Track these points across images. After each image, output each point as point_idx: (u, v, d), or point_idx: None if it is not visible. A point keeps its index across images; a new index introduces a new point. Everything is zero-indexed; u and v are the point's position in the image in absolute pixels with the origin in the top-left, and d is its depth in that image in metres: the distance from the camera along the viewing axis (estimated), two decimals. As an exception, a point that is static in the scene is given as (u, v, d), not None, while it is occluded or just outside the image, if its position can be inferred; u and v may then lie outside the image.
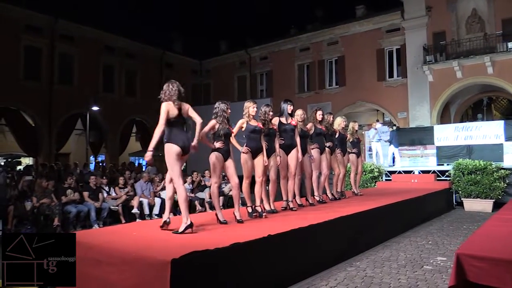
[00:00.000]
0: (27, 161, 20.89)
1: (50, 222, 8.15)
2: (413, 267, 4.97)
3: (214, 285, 3.41)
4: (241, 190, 5.35)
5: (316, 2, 32.71)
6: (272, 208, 5.83)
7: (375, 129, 14.32)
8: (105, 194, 9.43)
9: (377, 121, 19.71)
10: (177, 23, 37.39)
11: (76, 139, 22.28)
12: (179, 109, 4.43)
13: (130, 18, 30.70)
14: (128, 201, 9.58)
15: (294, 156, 6.09)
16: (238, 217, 4.99)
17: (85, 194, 9.04)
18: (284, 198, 6.22)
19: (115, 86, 22.83)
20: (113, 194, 9.64)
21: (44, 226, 8.16)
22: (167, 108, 4.36)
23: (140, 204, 9.58)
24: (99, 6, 27.46)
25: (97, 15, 24.78)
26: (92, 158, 21.58)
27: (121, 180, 10.00)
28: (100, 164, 18.41)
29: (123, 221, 8.97)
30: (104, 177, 10.51)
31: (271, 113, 5.67)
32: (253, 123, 5.42)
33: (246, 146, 5.36)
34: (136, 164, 22.39)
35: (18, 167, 12.16)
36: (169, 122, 4.37)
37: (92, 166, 18.90)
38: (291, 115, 6.21)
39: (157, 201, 9.92)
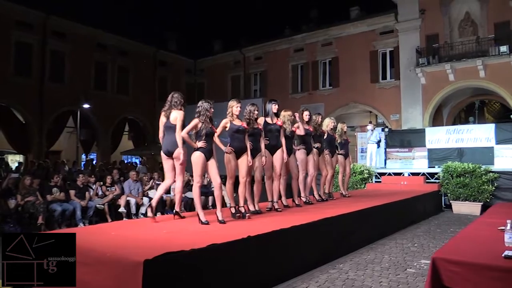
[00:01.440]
0: (17, 158, 20.77)
1: (34, 221, 8.03)
2: (396, 269, 4.94)
3: (189, 286, 3.35)
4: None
5: (311, 3, 32.68)
6: (257, 208, 5.77)
7: (371, 130, 14.31)
8: (91, 193, 9.32)
9: (370, 122, 19.74)
10: (172, 22, 37.29)
11: (67, 136, 22.15)
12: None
13: (123, 16, 30.54)
14: (115, 200, 9.48)
15: (279, 157, 6.04)
16: (220, 218, 4.93)
17: (72, 192, 8.94)
18: (269, 199, 6.17)
19: (107, 84, 22.71)
20: (100, 193, 9.54)
21: (28, 224, 8.05)
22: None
23: (127, 203, 9.49)
24: (92, 2, 27.26)
25: (90, 12, 24.67)
26: (83, 156, 21.46)
27: (108, 179, 9.90)
28: (85, 162, 18.20)
29: (109, 220, 8.87)
30: (93, 176, 10.40)
31: (256, 112, 5.61)
32: (237, 122, 5.36)
33: (229, 146, 5.30)
34: (129, 162, 22.39)
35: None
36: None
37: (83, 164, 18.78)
38: (277, 115, 6.15)
39: (145, 200, 9.82)
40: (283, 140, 6.12)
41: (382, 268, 5.01)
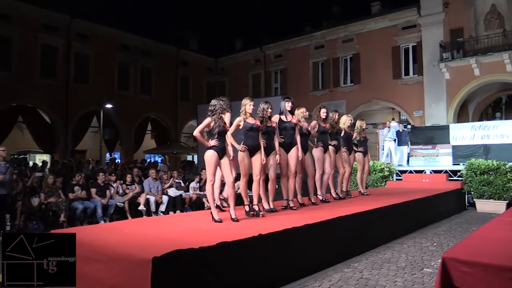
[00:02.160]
0: (44, 158, 21.31)
1: (57, 219, 8.26)
2: (412, 269, 4.84)
3: (198, 284, 3.36)
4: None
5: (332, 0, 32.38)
6: (271, 207, 5.75)
7: (388, 127, 14.09)
8: (112, 191, 9.49)
9: (393, 119, 19.42)
10: (192, 21, 37.49)
11: (92, 136, 22.57)
12: None
13: (145, 16, 30.90)
14: (135, 198, 9.63)
15: (294, 155, 6.00)
16: (233, 216, 4.94)
17: (93, 190, 9.12)
18: (285, 197, 6.15)
19: (130, 84, 23.03)
20: (120, 191, 9.70)
21: (51, 222, 8.26)
22: None
23: (147, 201, 9.62)
24: (114, 4, 27.68)
25: (112, 14, 24.99)
26: (107, 155, 21.86)
27: (128, 178, 10.06)
28: (109, 161, 18.52)
29: (129, 217, 9.02)
30: (113, 174, 10.58)
31: (269, 110, 5.58)
32: (251, 120, 5.35)
33: (243, 144, 5.29)
34: (151, 161, 22.69)
35: (31, 163, 12.39)
36: None
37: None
38: (291, 112, 6.11)
39: (165, 198, 9.95)
40: (298, 138, 6.08)
41: (398, 267, 4.92)
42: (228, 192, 5.24)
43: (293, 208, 6.02)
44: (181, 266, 3.25)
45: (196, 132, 5.01)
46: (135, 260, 3.19)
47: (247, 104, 5.35)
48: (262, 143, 5.42)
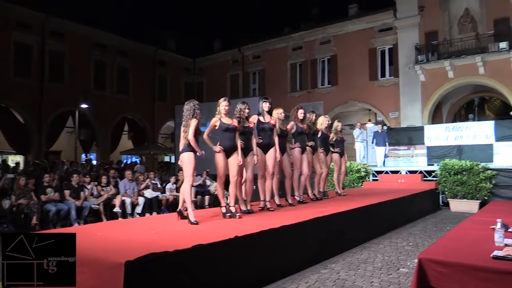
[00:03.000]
0: (17, 159, 20.75)
1: (29, 221, 8.02)
2: (388, 269, 4.87)
3: (173, 288, 3.29)
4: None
5: (310, 1, 32.59)
6: (248, 208, 5.70)
7: (360, 129, 14.35)
8: (86, 193, 9.28)
9: (369, 120, 19.68)
10: (171, 21, 37.20)
11: (67, 136, 22.13)
12: None
13: (122, 15, 30.48)
14: (110, 200, 9.44)
15: (272, 156, 5.97)
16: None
17: (66, 192, 8.90)
18: (262, 198, 6.10)
19: (106, 84, 22.68)
20: (95, 193, 9.50)
21: (23, 225, 8.02)
22: None
23: (123, 203, 9.45)
24: (90, 2, 27.21)
25: (88, 12, 24.57)
26: (83, 156, 21.44)
27: (103, 179, 9.86)
28: (84, 162, 18.15)
29: (104, 220, 8.83)
30: (88, 176, 10.36)
31: (246, 110, 5.54)
32: (227, 121, 5.28)
33: (219, 145, 5.22)
34: (129, 162, 22.39)
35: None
36: None
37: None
38: (270, 113, 6.08)
39: (141, 200, 9.79)
40: (276, 139, 6.05)
41: (375, 267, 4.95)
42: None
43: (271, 209, 5.99)
44: (155, 270, 3.17)
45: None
46: (107, 264, 3.09)
47: (221, 104, 5.28)
48: (239, 143, 5.37)
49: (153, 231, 4.44)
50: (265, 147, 5.97)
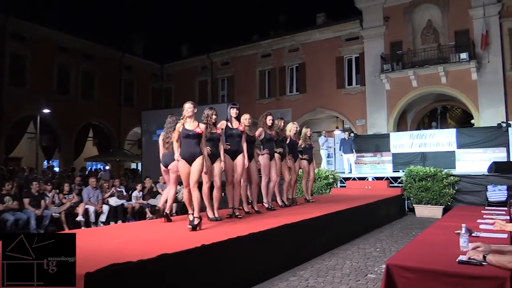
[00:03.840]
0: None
1: (-15, 231, 7.63)
2: (356, 275, 4.88)
3: (137, 300, 3.15)
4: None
5: (278, 9, 32.92)
6: (216, 216, 5.60)
7: (325, 136, 14.58)
8: (47, 201, 8.91)
9: (337, 128, 19.95)
10: (138, 26, 36.68)
11: (28, 143, 21.28)
12: None
13: (88, 19, 29.83)
14: (73, 208, 9.11)
15: (240, 162, 5.90)
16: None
17: (26, 201, 8.53)
18: (230, 205, 6.02)
19: (70, 88, 22.04)
20: (57, 201, 9.15)
21: (-22, 235, 7.61)
22: None
23: (86, 212, 9.14)
24: (53, 4, 26.48)
25: (51, 14, 23.90)
26: (45, 163, 20.71)
27: (66, 187, 9.51)
28: (46, 169, 17.51)
29: (66, 229, 8.50)
30: (49, 183, 9.98)
31: (214, 116, 5.45)
32: (190, 126, 5.07)
33: (180, 152, 5.08)
34: (93, 169, 21.77)
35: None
36: None
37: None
38: (238, 119, 6.01)
39: (105, 208, 9.50)
40: (244, 145, 5.99)
41: (343, 274, 4.95)
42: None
43: (239, 216, 5.91)
44: (117, 282, 3.03)
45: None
46: (66, 276, 2.93)
47: (184, 108, 5.11)
48: (205, 150, 5.24)
49: (116, 240, 4.27)
50: (233, 154, 5.90)
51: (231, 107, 5.99)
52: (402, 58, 18.31)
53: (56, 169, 19.81)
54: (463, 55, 16.63)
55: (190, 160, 4.97)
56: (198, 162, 4.99)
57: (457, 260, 2.80)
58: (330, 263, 5.47)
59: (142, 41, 27.39)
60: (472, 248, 2.88)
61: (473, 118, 17.83)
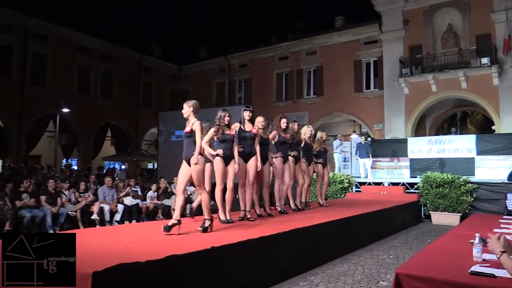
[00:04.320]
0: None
1: (2, 227, 7.77)
2: (368, 282, 4.81)
3: (144, 300, 3.16)
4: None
5: (297, 12, 32.86)
6: (228, 218, 5.59)
7: (339, 140, 14.44)
8: (64, 199, 9.04)
9: (354, 132, 19.78)
10: (157, 28, 37.03)
11: (48, 141, 21.67)
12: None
13: (109, 20, 30.18)
14: (88, 207, 9.22)
15: (253, 165, 5.88)
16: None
17: (42, 198, 8.66)
18: (242, 208, 6.00)
19: (90, 88, 22.43)
20: (73, 199, 9.27)
21: (-4, 231, 7.77)
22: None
23: (101, 210, 9.24)
24: (75, 5, 26.91)
25: (73, 15, 24.26)
26: (64, 161, 21.06)
27: (82, 185, 9.64)
28: (64, 168, 17.76)
29: (81, 227, 8.61)
30: (66, 181, 10.12)
31: (227, 118, 5.46)
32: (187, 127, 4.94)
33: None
34: (110, 169, 22.03)
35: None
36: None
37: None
38: (251, 121, 5.98)
39: (120, 207, 9.59)
40: (257, 148, 5.97)
41: (354, 280, 4.88)
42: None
43: (250, 219, 5.89)
44: (125, 281, 3.04)
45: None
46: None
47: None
48: (219, 151, 5.30)
49: (127, 240, 4.30)
50: (246, 156, 5.88)
51: (245, 110, 5.99)
52: (422, 62, 18.04)
53: (75, 167, 20.14)
54: (484, 60, 16.29)
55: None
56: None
57: (469, 271, 2.72)
58: (341, 269, 5.40)
59: (161, 42, 27.71)
60: (497, 238, 2.72)
61: (494, 124, 17.45)
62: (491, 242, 2.68)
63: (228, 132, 5.51)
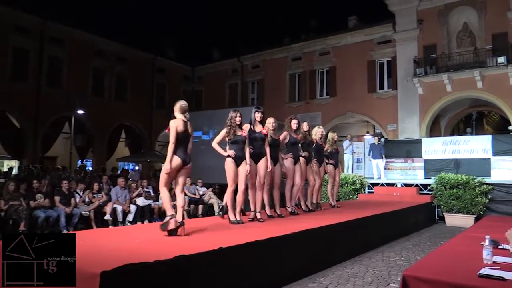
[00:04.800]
0: (13, 163, 20.64)
1: (17, 227, 7.90)
2: (378, 284, 4.76)
3: (151, 301, 3.18)
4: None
5: (310, 13, 32.76)
6: (238, 219, 5.60)
7: (349, 140, 14.35)
8: (78, 199, 9.16)
9: (367, 132, 19.64)
10: (170, 29, 37.30)
11: (63, 142, 22.02)
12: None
13: (122, 22, 30.54)
14: (102, 207, 9.33)
15: (263, 166, 5.88)
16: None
17: (56, 198, 8.79)
18: (252, 209, 6.00)
19: (104, 90, 22.68)
20: (87, 200, 9.39)
21: (11, 231, 7.89)
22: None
23: (114, 211, 9.34)
24: (90, 9, 27.29)
25: (88, 18, 24.63)
26: (79, 162, 21.34)
27: (95, 186, 9.76)
28: (78, 168, 18.00)
29: (95, 227, 8.72)
30: (80, 182, 10.25)
31: (238, 118, 5.48)
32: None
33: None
34: (125, 169, 22.25)
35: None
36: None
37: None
38: (262, 123, 5.98)
39: (132, 208, 9.68)
40: (267, 149, 5.97)
41: (364, 282, 4.84)
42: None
43: (260, 220, 5.88)
44: (132, 281, 3.07)
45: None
46: (82, 274, 2.98)
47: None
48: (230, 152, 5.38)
49: (137, 240, 4.33)
50: (256, 157, 5.87)
51: (256, 111, 5.97)
52: (436, 62, 17.81)
53: (90, 168, 20.40)
54: (501, 59, 16.02)
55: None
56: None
57: (477, 274, 2.69)
58: (352, 271, 5.36)
59: (174, 44, 27.89)
60: None
61: (511, 125, 17.14)
62: (509, 232, 2.66)
63: (239, 133, 5.53)
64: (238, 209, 5.72)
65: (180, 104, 4.91)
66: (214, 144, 5.53)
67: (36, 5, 19.39)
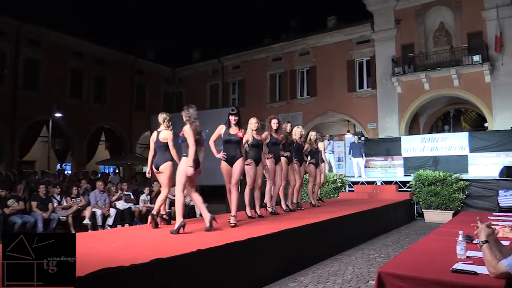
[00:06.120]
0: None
1: (-8, 234, 7.70)
2: (357, 282, 4.80)
3: (127, 305, 3.14)
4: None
5: (289, 12, 32.89)
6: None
7: (328, 140, 14.48)
8: (55, 204, 8.99)
9: (348, 131, 19.80)
10: (150, 31, 36.98)
11: (42, 146, 21.60)
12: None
13: (101, 24, 30.09)
14: (80, 211, 9.18)
15: (237, 168, 5.80)
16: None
17: (33, 203, 8.59)
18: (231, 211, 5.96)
19: (83, 92, 22.36)
20: (65, 204, 9.23)
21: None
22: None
23: (93, 215, 9.19)
24: (68, 10, 26.84)
25: (65, 20, 24.17)
26: (58, 166, 20.98)
27: (74, 190, 9.59)
28: (57, 173, 17.68)
29: (73, 232, 8.56)
30: (58, 186, 10.05)
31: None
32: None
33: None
34: (106, 172, 21.94)
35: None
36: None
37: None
38: (238, 125, 5.85)
39: (112, 211, 9.54)
40: (243, 151, 5.94)
41: (344, 280, 4.87)
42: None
43: (231, 224, 5.77)
44: (108, 286, 3.02)
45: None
46: (56, 281, 2.93)
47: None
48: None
49: (114, 244, 4.28)
50: (230, 160, 5.79)
51: (230, 113, 5.85)
52: (414, 61, 18.10)
53: (69, 172, 20.06)
54: (476, 58, 16.37)
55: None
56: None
57: (451, 269, 2.73)
58: (332, 269, 5.40)
59: (154, 45, 27.62)
60: (487, 226, 2.77)
61: (487, 122, 17.51)
62: (479, 228, 2.70)
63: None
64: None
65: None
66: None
67: (12, 7, 18.98)
